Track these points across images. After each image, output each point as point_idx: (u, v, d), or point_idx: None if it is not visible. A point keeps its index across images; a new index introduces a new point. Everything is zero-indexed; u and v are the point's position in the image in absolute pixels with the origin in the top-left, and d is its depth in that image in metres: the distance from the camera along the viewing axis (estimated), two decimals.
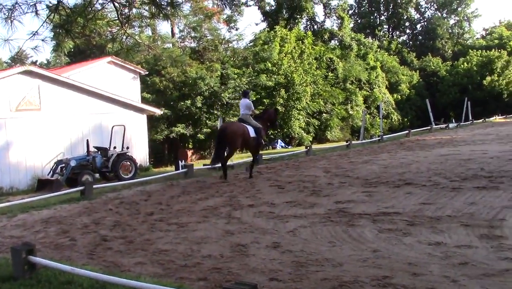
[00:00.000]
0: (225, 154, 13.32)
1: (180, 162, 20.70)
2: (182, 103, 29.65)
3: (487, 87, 49.27)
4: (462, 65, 52.27)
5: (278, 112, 17.00)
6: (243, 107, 13.96)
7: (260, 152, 15.90)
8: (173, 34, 35.44)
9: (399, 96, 49.63)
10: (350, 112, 41.13)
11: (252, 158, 14.33)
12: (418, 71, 54.60)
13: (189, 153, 31.04)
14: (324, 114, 38.52)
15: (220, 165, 13.80)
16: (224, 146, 13.07)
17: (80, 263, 6.25)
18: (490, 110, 45.10)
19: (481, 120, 37.00)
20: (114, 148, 18.70)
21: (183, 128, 29.79)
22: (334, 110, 39.15)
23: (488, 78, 49.59)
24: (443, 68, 54.81)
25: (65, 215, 9.69)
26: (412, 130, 28.34)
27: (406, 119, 47.78)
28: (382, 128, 30.60)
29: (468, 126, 33.07)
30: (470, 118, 36.49)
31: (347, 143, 22.48)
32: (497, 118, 40.31)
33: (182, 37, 35.79)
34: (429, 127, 30.44)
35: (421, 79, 53.60)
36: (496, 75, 49.96)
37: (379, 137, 25.07)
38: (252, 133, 13.30)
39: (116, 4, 6.92)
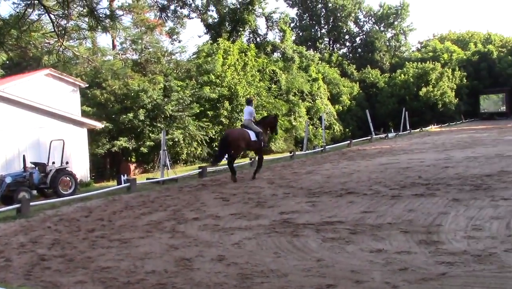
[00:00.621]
0: (226, 157, 14.86)
1: (122, 176, 20.23)
2: (124, 116, 29.12)
3: (423, 98, 51.15)
4: (399, 77, 54.09)
5: (277, 118, 18.20)
6: (246, 114, 15.63)
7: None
8: (114, 46, 34.79)
9: (341, 107, 50.67)
10: (294, 123, 41.60)
11: (257, 160, 16.08)
12: (358, 82, 55.97)
13: (132, 166, 30.44)
14: None
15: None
16: (225, 151, 14.65)
17: (16, 285, 5.98)
18: (426, 120, 46.71)
19: (418, 130, 38.34)
20: (53, 163, 18.09)
21: (126, 142, 29.23)
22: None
23: (424, 89, 51.52)
24: (382, 80, 56.52)
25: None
26: (353, 141, 29.01)
27: (347, 129, 48.75)
28: (325, 139, 31.12)
29: (406, 135, 34.19)
30: (408, 128, 37.69)
31: (291, 154, 22.73)
32: (433, 128, 41.81)
33: (124, 49, 35.20)
34: (369, 137, 31.10)
35: (361, 91, 54.96)
36: (431, 86, 51.95)
37: (322, 148, 25.49)
38: (253, 137, 14.75)
39: (52, 16, 6.70)
